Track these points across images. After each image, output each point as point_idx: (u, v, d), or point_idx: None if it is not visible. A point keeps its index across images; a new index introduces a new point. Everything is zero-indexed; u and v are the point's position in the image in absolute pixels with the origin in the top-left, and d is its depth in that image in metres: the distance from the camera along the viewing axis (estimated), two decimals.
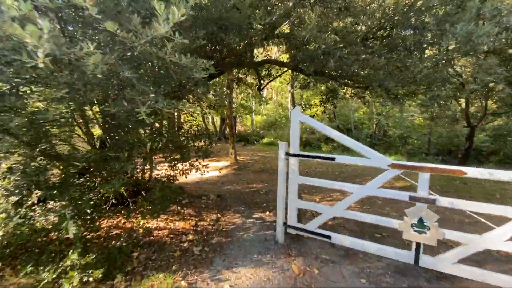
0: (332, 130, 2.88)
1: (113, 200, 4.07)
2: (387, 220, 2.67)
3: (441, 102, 6.28)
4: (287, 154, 3.16)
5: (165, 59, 1.43)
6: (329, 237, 3.00)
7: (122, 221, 3.52)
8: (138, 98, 1.48)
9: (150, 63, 1.76)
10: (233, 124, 10.24)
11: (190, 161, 3.50)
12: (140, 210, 3.24)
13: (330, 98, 6.56)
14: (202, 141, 3.85)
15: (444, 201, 2.40)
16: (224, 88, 10.00)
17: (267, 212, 4.46)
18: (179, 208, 4.23)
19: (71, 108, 2.30)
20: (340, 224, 4.10)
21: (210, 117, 23.48)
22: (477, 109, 11.88)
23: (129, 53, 1.55)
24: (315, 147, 16.76)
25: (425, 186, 2.47)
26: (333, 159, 2.87)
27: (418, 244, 2.56)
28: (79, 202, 2.24)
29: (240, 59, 5.48)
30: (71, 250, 2.10)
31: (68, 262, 2.12)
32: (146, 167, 4.25)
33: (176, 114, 11.95)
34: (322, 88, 9.28)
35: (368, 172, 8.85)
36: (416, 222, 2.51)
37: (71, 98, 1.70)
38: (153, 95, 1.56)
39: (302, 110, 23.45)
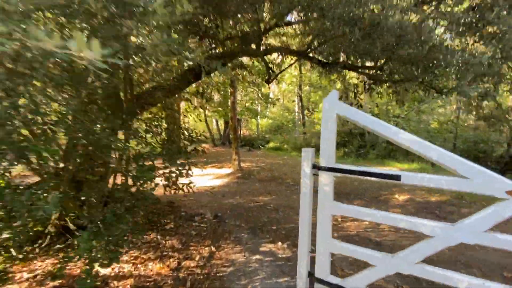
0: (400, 131, 1.72)
1: (71, 225, 2.98)
2: None
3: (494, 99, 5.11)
4: (316, 167, 2.02)
5: None
6: None
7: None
8: None
9: None
10: (236, 127, 9.14)
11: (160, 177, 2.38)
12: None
13: (357, 92, 5.43)
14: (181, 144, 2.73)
15: None
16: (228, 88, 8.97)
17: (279, 243, 3.30)
18: (159, 237, 3.10)
19: None
20: None
21: (214, 121, 22.50)
22: None
23: None
24: None
25: None
26: (398, 178, 1.72)
27: None
28: None
29: (246, 43, 4.41)
30: None
31: None
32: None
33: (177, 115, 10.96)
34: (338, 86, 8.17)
35: (393, 184, 7.57)
36: None
37: None
38: None
39: (309, 114, 22.06)
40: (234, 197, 6.18)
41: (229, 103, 8.97)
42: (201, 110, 17.18)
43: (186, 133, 2.89)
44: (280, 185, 7.38)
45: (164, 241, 3.04)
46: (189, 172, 2.57)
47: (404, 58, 2.68)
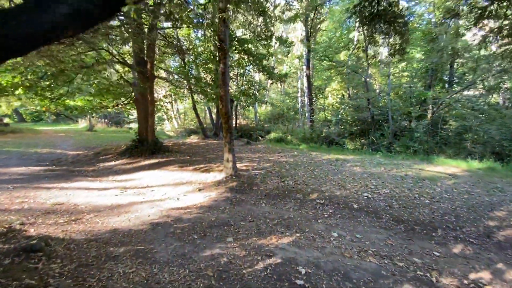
0: None
1: None
2: None
3: None
4: None
5: None
6: None
7: None
8: None
9: None
10: (229, 111, 6.04)
11: None
12: None
13: None
14: None
15: None
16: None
17: None
18: None
19: None
20: None
21: (207, 109, 19.32)
22: None
23: None
24: (343, 145, 12.62)
25: None
26: None
27: None
28: None
29: None
30: None
31: None
32: None
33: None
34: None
35: (489, 201, 4.55)
36: None
37: None
38: None
39: (315, 97, 18.91)
40: (224, 240, 3.23)
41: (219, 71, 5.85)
42: (187, 94, 14.09)
43: None
44: (302, 206, 4.43)
45: None
46: None
47: None
